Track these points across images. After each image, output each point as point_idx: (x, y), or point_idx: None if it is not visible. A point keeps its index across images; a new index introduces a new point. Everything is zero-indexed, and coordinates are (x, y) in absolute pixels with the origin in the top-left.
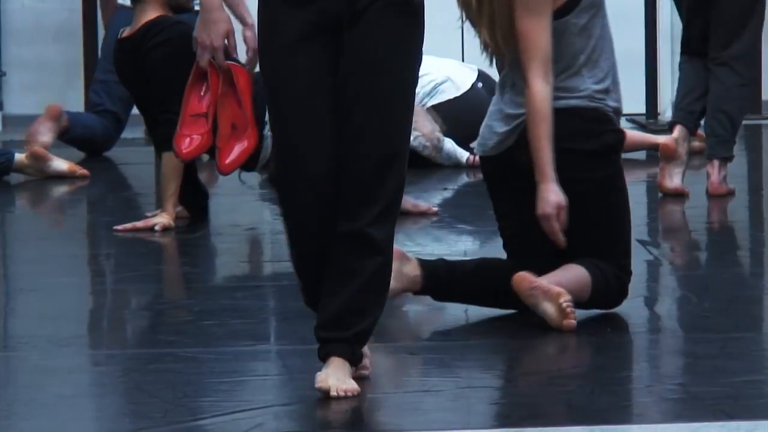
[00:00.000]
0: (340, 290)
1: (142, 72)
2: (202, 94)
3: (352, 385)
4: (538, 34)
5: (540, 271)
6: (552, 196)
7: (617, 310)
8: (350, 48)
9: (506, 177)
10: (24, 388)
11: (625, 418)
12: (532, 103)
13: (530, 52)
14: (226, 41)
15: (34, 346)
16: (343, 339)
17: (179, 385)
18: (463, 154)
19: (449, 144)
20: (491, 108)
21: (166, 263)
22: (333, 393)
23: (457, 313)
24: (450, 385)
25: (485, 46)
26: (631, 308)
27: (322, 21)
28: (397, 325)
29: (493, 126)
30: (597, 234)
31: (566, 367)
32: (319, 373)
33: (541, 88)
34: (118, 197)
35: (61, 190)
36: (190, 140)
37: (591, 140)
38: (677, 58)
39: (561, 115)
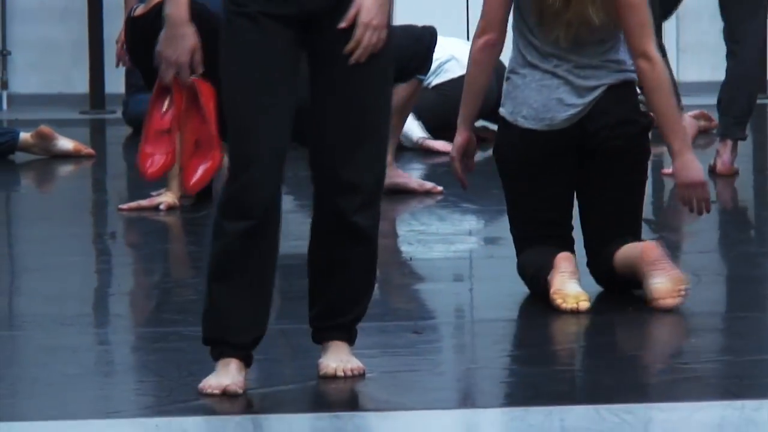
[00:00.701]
0: (333, 281)
1: (153, 50)
2: (164, 109)
3: (356, 364)
4: (644, 5)
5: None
6: (698, 164)
7: (622, 289)
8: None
9: (566, 152)
10: (29, 367)
11: (629, 397)
12: (658, 73)
13: (643, 23)
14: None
15: (39, 325)
16: (342, 325)
17: (184, 364)
18: (415, 134)
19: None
20: (538, 83)
21: (171, 242)
22: (339, 373)
23: (463, 291)
24: (455, 364)
25: (567, 26)
26: (634, 286)
27: (299, 16)
28: (402, 305)
29: (563, 99)
30: (631, 207)
31: (571, 346)
32: (320, 361)
33: (659, 58)
34: (123, 176)
35: (66, 169)
36: (152, 160)
37: (643, 113)
38: (684, 37)
39: (623, 88)
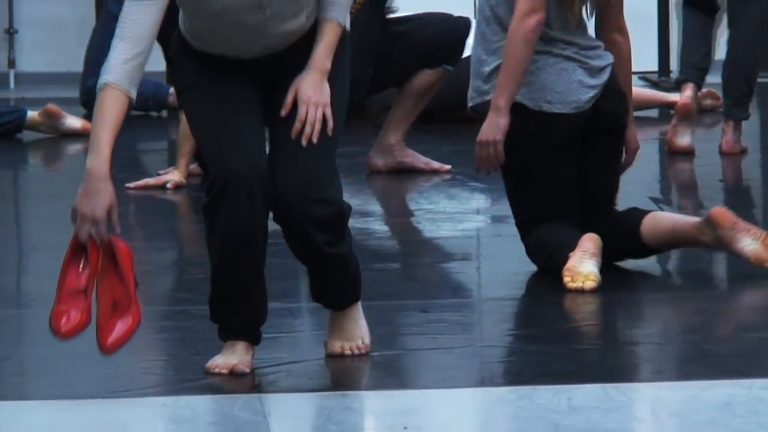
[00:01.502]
0: (313, 274)
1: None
2: (80, 269)
3: (361, 341)
4: None
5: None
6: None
7: (629, 268)
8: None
9: (578, 133)
10: (36, 346)
11: (637, 376)
12: (629, 46)
13: None
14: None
15: (47, 304)
16: (349, 301)
17: (192, 342)
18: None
19: None
20: (555, 67)
21: (179, 221)
22: (347, 352)
23: (470, 270)
24: (462, 342)
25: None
26: (644, 266)
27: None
28: (410, 284)
29: (583, 81)
30: (618, 181)
31: (578, 325)
32: (326, 340)
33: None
34: (130, 155)
35: (74, 147)
36: (67, 317)
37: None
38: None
39: (613, 67)
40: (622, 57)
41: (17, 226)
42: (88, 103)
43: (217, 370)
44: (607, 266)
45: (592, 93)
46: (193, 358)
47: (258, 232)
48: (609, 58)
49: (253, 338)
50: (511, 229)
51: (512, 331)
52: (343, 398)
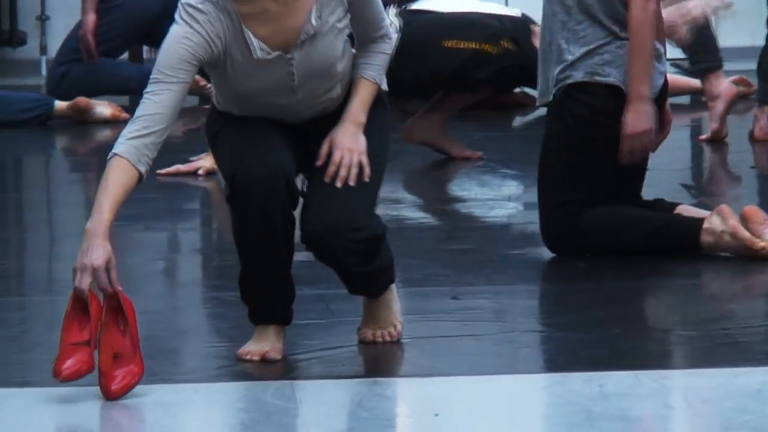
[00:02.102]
0: (360, 285)
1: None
2: (81, 324)
3: (393, 329)
4: None
5: None
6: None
7: (661, 254)
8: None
9: None
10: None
11: (669, 362)
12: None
13: None
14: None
15: None
16: (383, 289)
17: (224, 329)
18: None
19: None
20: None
21: (210, 207)
22: (378, 339)
23: (502, 257)
24: (494, 329)
25: None
26: (675, 253)
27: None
28: (441, 271)
29: (658, 66)
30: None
31: (610, 312)
32: (359, 327)
33: None
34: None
35: (104, 134)
36: (71, 363)
37: None
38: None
39: None
40: (641, 23)
41: (48, 213)
42: (54, 91)
43: (248, 357)
44: (638, 252)
45: (662, 79)
46: (225, 344)
47: (275, 229)
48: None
49: (283, 320)
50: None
51: (544, 317)
52: (375, 385)
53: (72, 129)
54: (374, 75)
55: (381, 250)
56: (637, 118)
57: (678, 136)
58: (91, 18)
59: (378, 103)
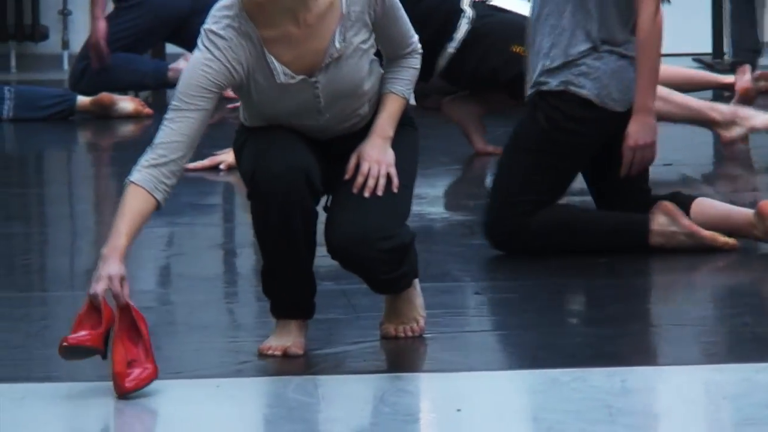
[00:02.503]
0: (384, 288)
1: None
2: (92, 327)
3: (416, 324)
4: None
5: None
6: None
7: (681, 249)
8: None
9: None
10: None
11: (690, 358)
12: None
13: None
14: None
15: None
16: (406, 287)
17: (245, 324)
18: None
19: None
20: (616, 64)
21: (232, 202)
22: (400, 334)
23: (524, 252)
24: (515, 324)
25: None
26: (695, 249)
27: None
28: (463, 265)
29: (634, 78)
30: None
31: (632, 307)
32: (381, 321)
33: None
34: None
35: (126, 129)
36: (79, 333)
37: None
38: None
39: None
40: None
41: (70, 208)
42: (75, 86)
43: (270, 352)
44: (658, 248)
45: None
46: (247, 339)
47: (295, 225)
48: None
49: (305, 313)
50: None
51: (566, 312)
52: (397, 380)
53: (94, 124)
54: (402, 90)
55: (408, 257)
56: (642, 130)
57: (699, 131)
58: (102, 25)
59: (407, 123)
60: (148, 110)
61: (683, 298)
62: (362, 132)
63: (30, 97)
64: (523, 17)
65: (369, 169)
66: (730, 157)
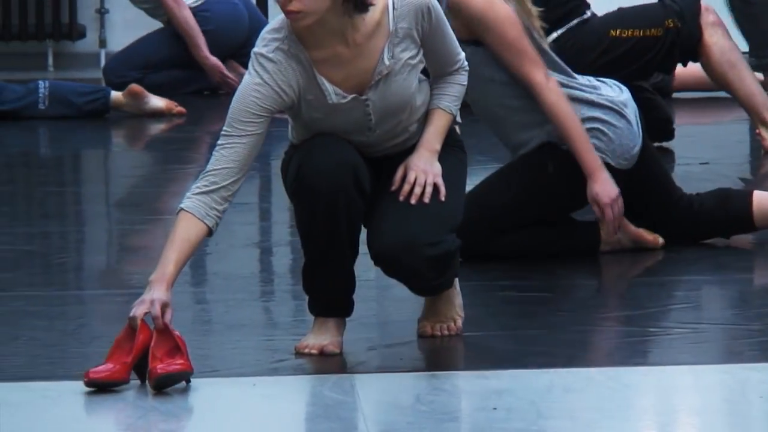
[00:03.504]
0: (427, 292)
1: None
2: (128, 351)
3: (454, 323)
4: None
5: None
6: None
7: (720, 249)
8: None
9: None
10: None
11: (725, 357)
12: None
13: None
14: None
15: (137, 284)
16: (446, 288)
17: (282, 323)
18: None
19: None
20: (622, 123)
21: (269, 200)
22: (437, 332)
23: (557, 254)
24: (552, 323)
25: None
26: (731, 247)
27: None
28: (500, 264)
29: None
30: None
31: (669, 306)
32: (419, 318)
33: None
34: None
35: (159, 128)
36: (105, 367)
37: None
38: None
39: None
40: None
41: (107, 207)
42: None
43: (307, 351)
44: (699, 245)
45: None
46: (284, 338)
47: (339, 222)
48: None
49: (344, 312)
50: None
51: (601, 311)
52: (434, 379)
53: (129, 123)
54: (449, 105)
55: (453, 265)
56: (605, 185)
57: (735, 130)
58: (216, 63)
59: (457, 146)
60: (180, 108)
61: (719, 296)
62: (410, 151)
63: (65, 90)
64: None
65: (416, 178)
66: (766, 155)
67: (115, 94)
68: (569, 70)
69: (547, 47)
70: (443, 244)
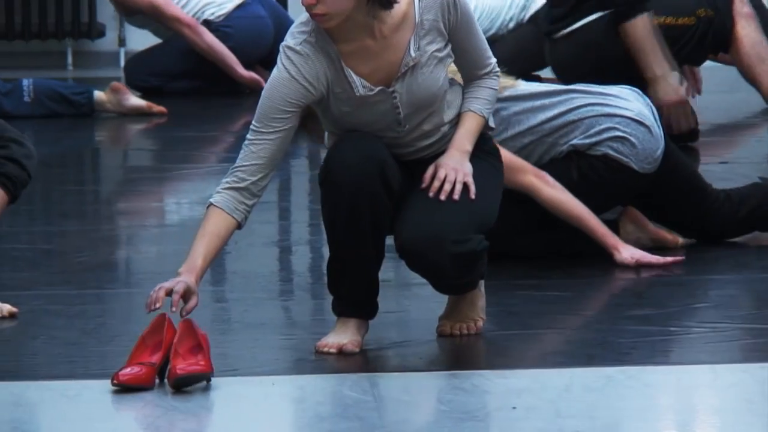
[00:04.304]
0: (452, 291)
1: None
2: (153, 350)
3: (474, 323)
4: None
5: None
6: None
7: (739, 247)
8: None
9: None
10: (145, 324)
11: (747, 356)
12: None
13: None
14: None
15: (156, 283)
16: (471, 289)
17: (301, 321)
18: None
19: None
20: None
21: (288, 199)
22: (455, 332)
23: (580, 249)
24: (572, 322)
25: None
26: (751, 245)
27: None
28: (520, 263)
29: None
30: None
31: (689, 305)
32: (440, 316)
33: None
34: (235, 134)
35: (179, 129)
36: (131, 369)
37: None
38: None
39: None
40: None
41: (126, 205)
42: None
43: (326, 349)
44: (719, 244)
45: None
46: (303, 337)
47: (364, 215)
48: None
49: (365, 314)
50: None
51: (622, 310)
52: (453, 378)
53: (145, 123)
54: (480, 108)
55: (478, 267)
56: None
57: (755, 129)
58: (252, 76)
59: (492, 154)
60: (160, 108)
61: (737, 295)
62: (440, 154)
63: (49, 83)
64: None
65: (446, 175)
66: None
67: (99, 95)
68: (581, 87)
69: (534, 90)
70: (469, 242)
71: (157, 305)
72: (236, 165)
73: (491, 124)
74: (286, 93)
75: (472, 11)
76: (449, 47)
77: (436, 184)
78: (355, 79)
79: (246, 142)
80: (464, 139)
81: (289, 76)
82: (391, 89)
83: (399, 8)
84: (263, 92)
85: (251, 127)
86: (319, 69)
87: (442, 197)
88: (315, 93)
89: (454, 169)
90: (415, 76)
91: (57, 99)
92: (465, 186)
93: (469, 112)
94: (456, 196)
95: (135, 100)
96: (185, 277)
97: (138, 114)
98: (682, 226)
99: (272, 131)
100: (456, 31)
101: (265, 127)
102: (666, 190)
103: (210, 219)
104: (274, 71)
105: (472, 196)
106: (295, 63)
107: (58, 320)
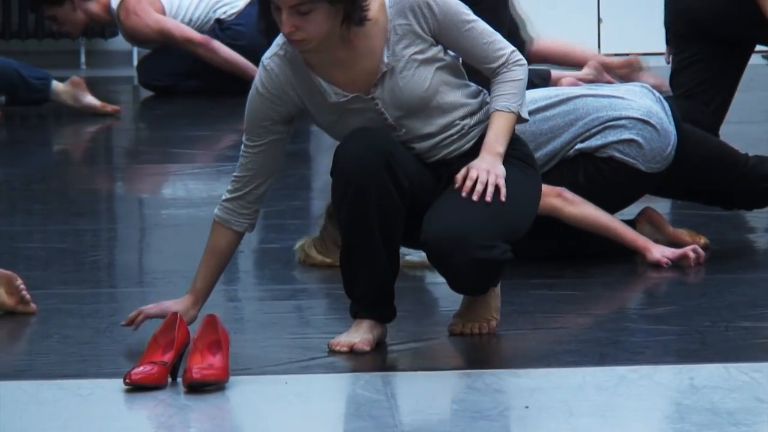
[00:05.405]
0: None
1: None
2: (165, 349)
3: (487, 322)
4: None
5: None
6: None
7: (753, 246)
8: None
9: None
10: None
11: (759, 355)
12: None
13: None
14: None
15: (168, 282)
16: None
17: (314, 320)
18: None
19: None
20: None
21: (300, 199)
22: (467, 331)
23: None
24: (585, 321)
25: None
26: (761, 246)
27: None
28: (532, 262)
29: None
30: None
31: (699, 304)
32: (454, 314)
33: None
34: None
35: (187, 128)
36: (143, 368)
37: None
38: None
39: None
40: None
41: (139, 204)
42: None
43: (338, 348)
44: (733, 243)
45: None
46: (315, 336)
47: (369, 210)
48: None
49: (379, 316)
50: (633, 208)
51: (634, 310)
52: (466, 377)
53: (158, 122)
54: (506, 104)
55: (497, 276)
56: (660, 250)
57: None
58: None
59: (526, 161)
60: (113, 107)
61: (749, 294)
62: (470, 153)
63: (9, 62)
64: None
65: (478, 176)
66: None
67: (56, 84)
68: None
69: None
70: (495, 249)
71: (132, 328)
72: (234, 175)
73: (524, 115)
74: (257, 109)
75: (458, 8)
76: (438, 48)
77: (468, 184)
78: (326, 87)
79: (242, 150)
80: (494, 141)
81: (257, 92)
82: (369, 96)
83: (368, 15)
84: (247, 106)
85: (243, 138)
86: (284, 83)
87: (474, 198)
88: (288, 104)
89: (486, 170)
90: (394, 80)
91: (12, 77)
92: (496, 188)
93: (495, 113)
94: (488, 198)
95: (90, 99)
96: (176, 304)
97: (91, 113)
98: (715, 196)
99: (256, 144)
100: (442, 33)
101: (249, 140)
102: (687, 173)
103: (211, 235)
104: (252, 85)
105: (503, 198)
106: (262, 79)
107: (71, 319)
